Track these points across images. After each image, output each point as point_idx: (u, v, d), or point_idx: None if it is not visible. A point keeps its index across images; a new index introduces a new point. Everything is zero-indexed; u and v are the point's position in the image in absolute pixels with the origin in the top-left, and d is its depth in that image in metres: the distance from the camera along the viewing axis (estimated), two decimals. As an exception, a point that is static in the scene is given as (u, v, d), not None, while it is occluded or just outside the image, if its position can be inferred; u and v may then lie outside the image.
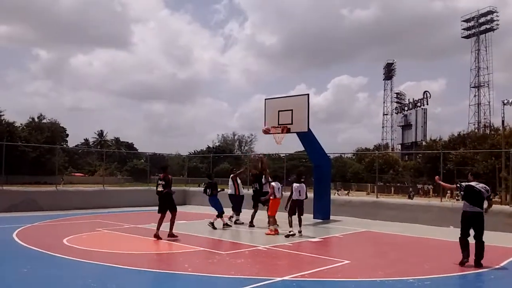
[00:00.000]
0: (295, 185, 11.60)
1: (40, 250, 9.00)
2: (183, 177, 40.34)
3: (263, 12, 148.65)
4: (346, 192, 46.22)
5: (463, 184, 8.63)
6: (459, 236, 8.45)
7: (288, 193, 11.77)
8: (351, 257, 8.72)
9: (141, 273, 7.31)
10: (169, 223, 10.73)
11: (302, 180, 11.82)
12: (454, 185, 9.11)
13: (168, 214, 10.79)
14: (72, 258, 8.21)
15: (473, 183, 8.45)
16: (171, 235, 10.64)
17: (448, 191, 35.35)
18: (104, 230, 12.03)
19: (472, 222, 8.35)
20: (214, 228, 12.38)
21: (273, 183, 12.09)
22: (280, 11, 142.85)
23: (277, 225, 12.12)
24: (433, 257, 9.22)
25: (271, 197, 11.94)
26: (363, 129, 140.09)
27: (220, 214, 12.69)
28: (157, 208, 10.91)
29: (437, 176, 10.08)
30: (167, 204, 10.80)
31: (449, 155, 45.95)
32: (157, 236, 10.56)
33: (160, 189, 10.76)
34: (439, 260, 8.94)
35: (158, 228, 10.73)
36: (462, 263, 8.22)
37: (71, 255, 8.45)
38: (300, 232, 11.46)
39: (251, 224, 13.15)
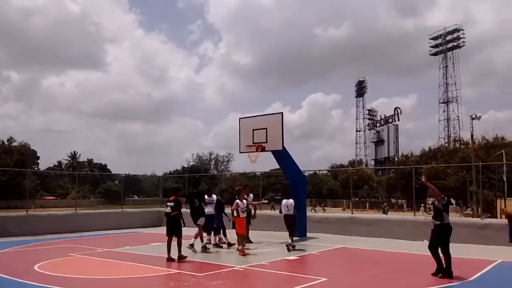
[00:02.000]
0: (283, 201, 12.56)
1: (11, 278, 8.71)
2: (158, 198, 39.82)
3: (237, 31, 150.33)
4: (321, 207, 46.48)
5: (446, 197, 8.95)
6: (446, 251, 8.65)
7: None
8: (328, 275, 8.74)
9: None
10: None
11: (291, 196, 12.73)
12: (440, 193, 9.12)
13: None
14: (44, 285, 7.96)
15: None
16: (180, 257, 10.48)
17: (422, 205, 36.00)
18: (76, 255, 11.73)
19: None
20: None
21: (237, 201, 11.94)
22: (254, 30, 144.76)
23: (244, 244, 12.01)
24: (409, 273, 9.33)
25: (234, 216, 11.93)
26: (337, 146, 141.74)
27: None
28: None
29: (424, 177, 9.84)
30: (174, 227, 10.60)
31: (421, 170, 46.79)
32: (170, 260, 10.38)
33: (168, 210, 10.63)
34: (414, 275, 9.05)
35: (168, 252, 10.55)
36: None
37: (43, 282, 8.20)
38: (292, 245, 12.22)
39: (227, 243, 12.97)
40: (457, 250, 12.35)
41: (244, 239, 11.93)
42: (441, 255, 8.65)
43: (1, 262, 10.80)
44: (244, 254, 11.29)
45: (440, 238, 8.72)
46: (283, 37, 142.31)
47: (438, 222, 8.75)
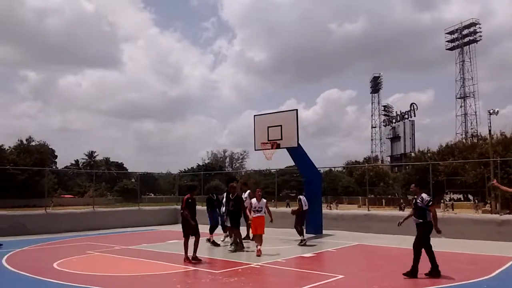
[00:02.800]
0: (303, 197, 13.12)
1: (30, 275, 8.85)
2: (174, 196, 40.11)
3: (251, 28, 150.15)
4: (334, 204, 46.18)
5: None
6: (429, 249, 8.42)
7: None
8: (345, 272, 8.70)
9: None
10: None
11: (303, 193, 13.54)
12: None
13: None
14: (63, 282, 8.08)
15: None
16: (194, 258, 10.06)
17: (442, 202, 35.59)
18: (94, 253, 11.88)
19: None
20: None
21: (251, 200, 11.68)
22: (268, 27, 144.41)
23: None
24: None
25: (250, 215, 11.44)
26: (353, 142, 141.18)
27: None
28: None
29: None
30: (185, 227, 10.25)
31: (438, 166, 46.26)
32: (186, 259, 10.11)
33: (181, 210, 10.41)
34: (432, 271, 8.93)
35: (185, 252, 10.21)
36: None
37: (62, 279, 8.31)
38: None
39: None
40: (475, 247, 12.26)
41: (259, 239, 11.24)
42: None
43: (21, 260, 10.98)
44: (258, 255, 10.76)
45: (424, 237, 8.46)
46: (297, 33, 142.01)
47: (421, 221, 8.48)
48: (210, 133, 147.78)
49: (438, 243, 12.76)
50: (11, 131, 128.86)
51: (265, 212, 11.52)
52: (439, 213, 17.50)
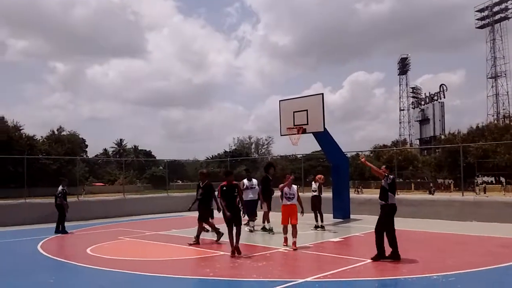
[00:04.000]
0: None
1: (65, 260, 9.14)
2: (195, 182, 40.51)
3: (275, 12, 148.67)
4: (358, 188, 45.61)
5: (391, 176, 8.44)
6: (391, 233, 8.30)
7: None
8: (372, 256, 8.64)
9: (165, 279, 7.35)
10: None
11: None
12: (382, 172, 8.57)
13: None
14: (97, 267, 8.31)
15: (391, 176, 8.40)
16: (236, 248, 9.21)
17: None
18: (126, 238, 12.16)
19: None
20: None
21: (281, 185, 10.21)
22: (292, 9, 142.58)
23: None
24: (456, 252, 9.10)
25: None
26: (380, 126, 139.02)
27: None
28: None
29: (362, 156, 9.97)
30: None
31: (468, 148, 45.27)
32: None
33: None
34: (462, 255, 8.83)
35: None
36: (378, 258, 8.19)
37: (96, 264, 8.55)
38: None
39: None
40: (508, 230, 12.00)
41: (293, 230, 9.91)
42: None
43: (56, 246, 11.34)
44: (295, 249, 9.59)
45: (384, 220, 8.33)
46: (322, 14, 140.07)
47: (383, 203, 8.32)
48: (236, 120, 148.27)
49: (468, 227, 12.58)
50: (43, 121, 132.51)
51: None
52: (470, 196, 17.20)
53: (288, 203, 9.96)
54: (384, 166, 8.77)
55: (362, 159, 9.64)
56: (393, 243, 8.26)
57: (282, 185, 10.13)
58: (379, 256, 8.20)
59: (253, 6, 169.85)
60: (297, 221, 9.94)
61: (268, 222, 12.49)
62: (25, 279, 7.66)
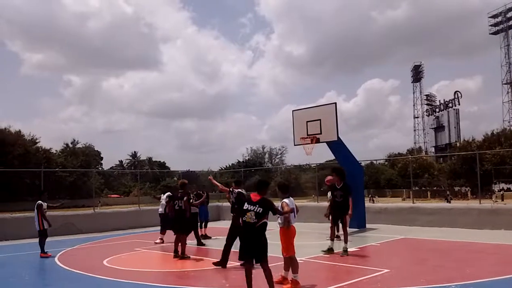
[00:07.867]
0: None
1: (82, 272, 9.21)
2: (215, 193, 40.54)
3: (289, 21, 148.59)
4: (371, 197, 44.99)
5: (236, 190, 8.37)
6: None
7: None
8: (390, 266, 8.58)
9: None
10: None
11: None
12: (227, 189, 8.74)
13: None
14: (114, 279, 8.37)
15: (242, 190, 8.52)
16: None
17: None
18: (142, 250, 12.22)
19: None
20: None
21: (284, 201, 7.25)
22: (306, 18, 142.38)
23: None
24: (474, 261, 8.98)
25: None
26: (396, 134, 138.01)
27: None
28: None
29: (210, 177, 10.40)
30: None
31: (485, 155, 44.67)
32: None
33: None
34: (481, 264, 8.71)
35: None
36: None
37: (113, 276, 8.62)
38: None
39: None
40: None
41: (287, 262, 7.71)
42: None
43: (72, 258, 11.44)
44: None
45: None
46: (336, 23, 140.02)
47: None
48: (249, 130, 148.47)
49: (486, 235, 12.39)
50: (59, 135, 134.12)
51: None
52: (488, 204, 16.95)
53: (293, 223, 7.46)
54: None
55: (210, 178, 10.47)
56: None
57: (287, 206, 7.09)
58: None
59: (266, 16, 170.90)
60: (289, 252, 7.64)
61: None
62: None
